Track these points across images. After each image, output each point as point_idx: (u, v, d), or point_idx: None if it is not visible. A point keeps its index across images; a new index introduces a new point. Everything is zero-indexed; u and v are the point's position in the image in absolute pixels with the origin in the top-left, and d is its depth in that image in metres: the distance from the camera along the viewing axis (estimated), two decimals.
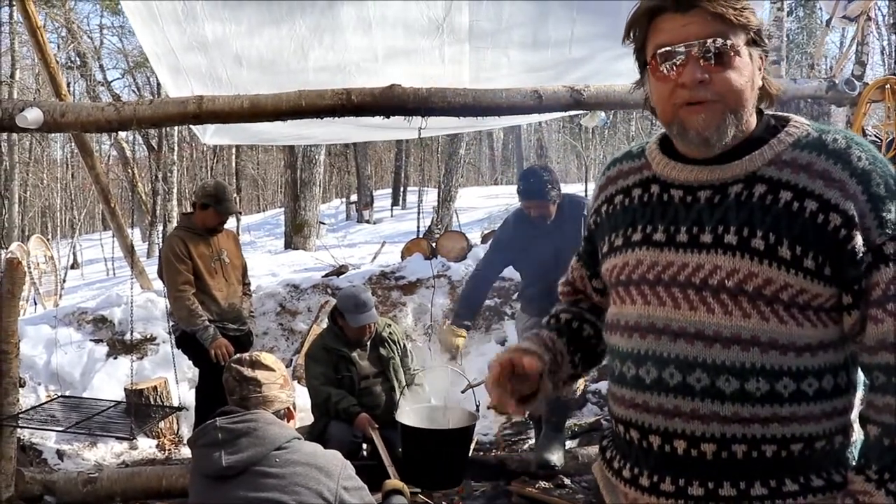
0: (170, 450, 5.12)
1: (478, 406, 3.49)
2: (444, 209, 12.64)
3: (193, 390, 4.73)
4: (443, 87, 3.69)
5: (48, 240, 14.35)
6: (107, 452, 4.95)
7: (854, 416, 1.24)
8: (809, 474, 1.20)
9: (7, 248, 10.21)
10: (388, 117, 3.74)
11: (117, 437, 4.38)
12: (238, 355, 2.27)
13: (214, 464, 1.94)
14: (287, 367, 4.76)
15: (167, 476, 3.94)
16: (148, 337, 6.09)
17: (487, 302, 6.32)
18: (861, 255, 1.15)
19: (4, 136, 15.38)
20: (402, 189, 21.63)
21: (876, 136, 4.78)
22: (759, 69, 1.25)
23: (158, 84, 18.01)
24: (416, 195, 16.60)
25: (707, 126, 1.20)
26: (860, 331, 1.18)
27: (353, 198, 20.07)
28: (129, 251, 6.47)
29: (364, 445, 3.97)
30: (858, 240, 1.15)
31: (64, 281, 13.62)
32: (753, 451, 1.19)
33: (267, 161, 31.20)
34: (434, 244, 8.06)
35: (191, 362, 4.69)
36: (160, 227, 17.91)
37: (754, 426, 1.18)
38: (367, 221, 17.97)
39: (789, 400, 1.18)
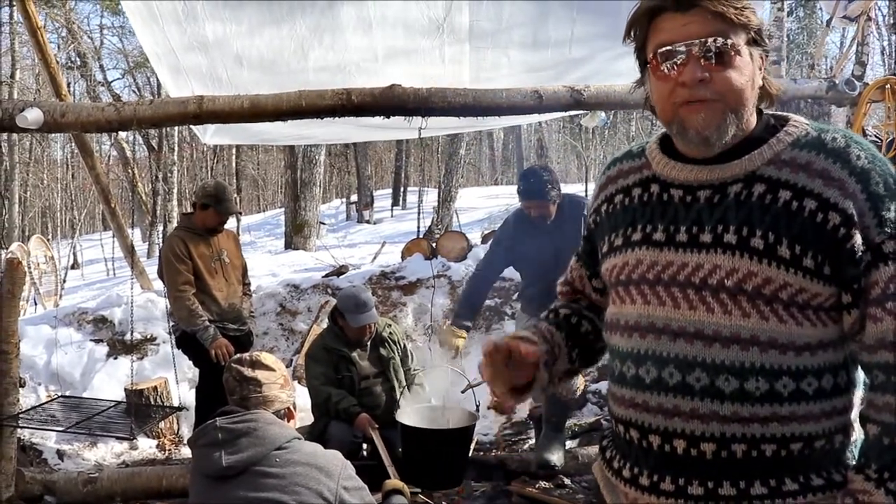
0: (170, 450, 5.12)
1: (478, 406, 3.49)
2: (444, 209, 12.64)
3: (193, 390, 4.73)
4: (443, 87, 3.69)
5: (48, 240, 14.35)
6: (107, 452, 4.95)
7: (854, 415, 1.24)
8: (809, 473, 1.20)
9: (7, 249, 10.21)
10: (388, 117, 3.74)
11: (117, 438, 4.38)
12: (238, 355, 2.27)
13: (215, 464, 1.94)
14: (287, 367, 4.77)
15: (167, 476, 3.94)
16: (148, 337, 6.09)
17: (488, 302, 6.31)
18: (860, 253, 1.15)
19: (5, 136, 15.38)
20: (402, 189, 21.63)
21: (876, 137, 4.78)
22: (760, 69, 1.25)
23: (159, 84, 18.03)
24: (417, 195, 16.60)
25: (707, 125, 1.20)
26: (860, 330, 1.18)
27: (354, 198, 20.08)
28: (130, 251, 6.47)
29: (364, 445, 3.97)
30: (858, 238, 1.15)
31: (64, 281, 13.63)
32: (753, 450, 1.19)
33: (267, 161, 31.21)
34: (434, 244, 8.06)
35: (191, 362, 4.69)
36: (160, 228, 17.92)
37: (754, 425, 1.18)
38: (368, 221, 17.97)
39: (789, 399, 1.18)
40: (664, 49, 1.21)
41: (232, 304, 4.38)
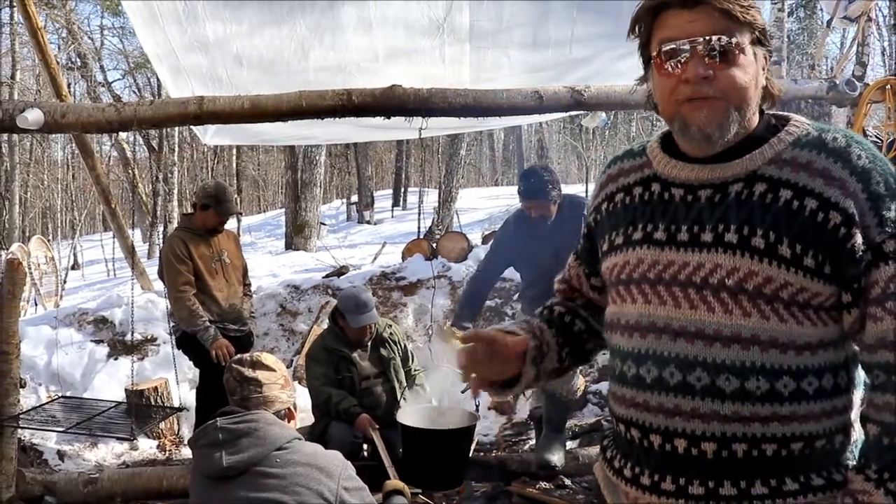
0: (170, 450, 5.12)
1: (478, 406, 3.49)
2: (444, 210, 12.65)
3: (194, 391, 4.72)
4: (443, 88, 3.69)
5: (49, 240, 14.35)
6: (107, 453, 4.95)
7: (855, 415, 1.24)
8: (810, 473, 1.20)
9: (8, 249, 10.21)
10: (388, 118, 3.74)
11: (118, 438, 4.38)
12: (239, 356, 2.27)
13: (215, 464, 1.94)
14: (288, 367, 4.77)
15: (168, 476, 3.94)
16: (148, 337, 6.09)
17: (488, 303, 6.31)
18: (861, 253, 1.15)
19: (5, 136, 15.40)
20: (402, 190, 21.64)
21: (877, 137, 4.78)
22: (763, 69, 1.25)
23: (159, 85, 18.04)
24: (417, 196, 16.60)
25: (709, 122, 1.20)
26: (860, 329, 1.18)
27: (354, 198, 20.09)
28: (130, 252, 6.47)
29: (365, 446, 3.97)
30: (858, 238, 1.15)
31: (65, 282, 13.63)
32: (754, 449, 1.19)
33: (267, 162, 31.22)
34: (435, 245, 8.06)
35: (191, 363, 4.69)
36: (161, 228, 17.93)
37: (754, 425, 1.18)
38: (368, 222, 17.98)
39: (789, 399, 1.18)
40: (668, 46, 1.21)
41: (232, 304, 4.38)
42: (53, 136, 18.92)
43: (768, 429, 1.18)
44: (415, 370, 4.27)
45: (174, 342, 4.56)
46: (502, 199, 16.82)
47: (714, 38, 1.18)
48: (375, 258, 10.16)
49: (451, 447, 3.56)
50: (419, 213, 12.80)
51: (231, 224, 5.79)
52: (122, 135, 15.66)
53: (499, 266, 4.31)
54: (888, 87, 4.25)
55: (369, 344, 4.12)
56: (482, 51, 4.61)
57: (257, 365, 2.16)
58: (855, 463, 1.21)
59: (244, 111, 3.59)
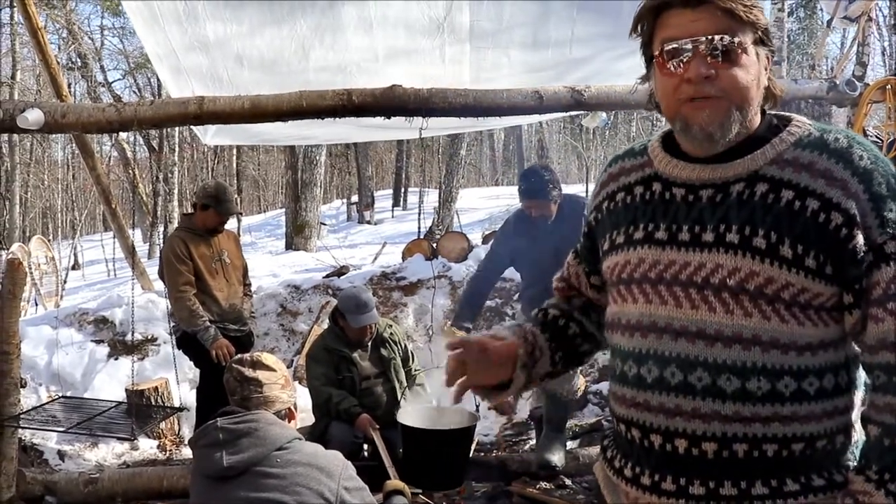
0: (171, 450, 5.12)
1: (478, 406, 3.49)
2: (444, 210, 12.65)
3: (194, 391, 4.72)
4: (443, 88, 3.69)
5: (49, 241, 14.35)
6: (108, 453, 4.95)
7: (856, 416, 1.24)
8: (810, 474, 1.20)
9: (8, 249, 10.22)
10: (388, 118, 3.74)
11: (118, 438, 4.38)
12: (239, 356, 2.27)
13: (215, 464, 1.94)
14: (288, 367, 4.76)
15: (168, 476, 3.94)
16: (149, 338, 6.09)
17: (488, 303, 6.31)
18: (862, 254, 1.15)
19: (5, 137, 15.41)
20: (402, 190, 21.65)
21: (877, 137, 4.78)
22: (765, 69, 1.25)
23: (159, 85, 18.04)
24: (417, 196, 16.62)
25: (711, 122, 1.20)
26: (861, 330, 1.18)
27: (354, 199, 20.10)
28: (130, 252, 6.47)
29: (365, 446, 3.97)
30: (860, 239, 1.15)
31: (65, 282, 13.64)
32: (754, 450, 1.18)
33: (268, 162, 31.22)
34: (435, 245, 8.06)
35: (192, 363, 4.69)
36: (161, 228, 17.94)
37: (755, 425, 1.18)
38: (368, 222, 17.98)
39: (790, 399, 1.18)
40: (671, 45, 1.21)
41: (232, 304, 4.38)
42: (54, 136, 18.93)
43: (769, 429, 1.18)
44: (415, 370, 4.27)
45: (174, 342, 4.56)
46: (502, 199, 16.82)
47: (716, 37, 1.18)
48: (376, 258, 10.16)
49: (452, 447, 3.56)
50: (419, 213, 12.82)
51: (231, 224, 5.79)
52: (123, 135, 15.67)
53: (499, 266, 4.31)
54: (888, 87, 4.25)
55: (370, 344, 4.12)
56: (482, 51, 4.61)
57: (258, 365, 2.16)
58: (856, 464, 1.20)
59: (244, 111, 3.59)
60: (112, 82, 22.38)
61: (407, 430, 3.54)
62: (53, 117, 3.54)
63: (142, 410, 4.51)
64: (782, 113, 1.30)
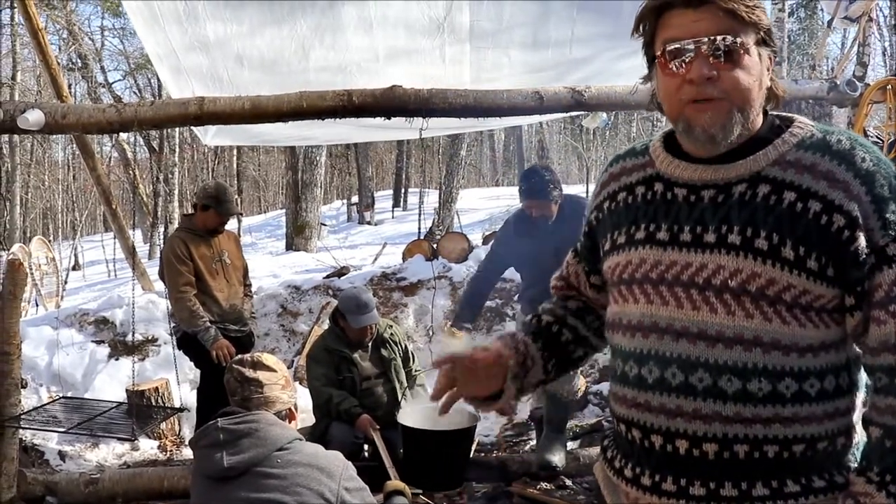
0: (171, 451, 5.12)
1: None
2: (445, 210, 12.65)
3: (195, 391, 4.72)
4: (444, 88, 3.69)
5: (50, 241, 14.36)
6: (108, 453, 4.95)
7: (857, 417, 1.23)
8: (811, 475, 1.20)
9: (9, 250, 10.22)
10: (389, 118, 3.74)
11: (119, 438, 4.38)
12: (239, 356, 2.27)
13: (216, 464, 1.94)
14: (288, 368, 4.76)
15: (169, 477, 3.94)
16: (149, 338, 6.09)
17: (489, 303, 6.31)
18: (864, 256, 1.15)
19: (6, 137, 15.41)
20: (403, 190, 21.67)
21: (877, 138, 4.78)
22: (768, 69, 1.24)
23: (159, 85, 18.05)
24: (418, 196, 16.63)
25: (713, 124, 1.20)
26: (863, 332, 1.18)
27: (355, 199, 20.12)
28: (131, 252, 6.48)
29: (365, 446, 3.97)
30: (862, 241, 1.15)
31: (65, 282, 13.65)
32: (755, 451, 1.18)
33: (268, 162, 31.22)
34: (435, 245, 8.07)
35: (192, 363, 4.69)
36: (161, 229, 17.94)
37: (756, 426, 1.18)
38: (369, 223, 18.00)
39: (791, 400, 1.18)
40: (673, 45, 1.20)
41: (233, 305, 4.38)
42: (54, 136, 18.95)
43: (770, 430, 1.18)
44: (415, 371, 4.27)
45: (175, 343, 4.56)
46: (503, 200, 16.83)
47: (719, 38, 1.17)
48: (376, 259, 10.17)
49: (452, 448, 3.56)
50: (420, 214, 12.83)
51: (232, 224, 5.79)
52: (123, 135, 15.66)
53: (499, 266, 4.31)
54: (889, 87, 4.25)
55: (370, 344, 4.12)
56: (482, 51, 4.61)
57: (258, 365, 2.16)
58: (856, 465, 1.20)
59: (245, 112, 3.59)
60: (112, 83, 22.39)
61: (407, 431, 3.54)
62: (54, 118, 3.54)
63: (142, 411, 4.51)
64: (784, 114, 1.30)
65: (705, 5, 1.18)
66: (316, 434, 3.89)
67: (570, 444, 4.34)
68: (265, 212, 28.01)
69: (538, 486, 3.85)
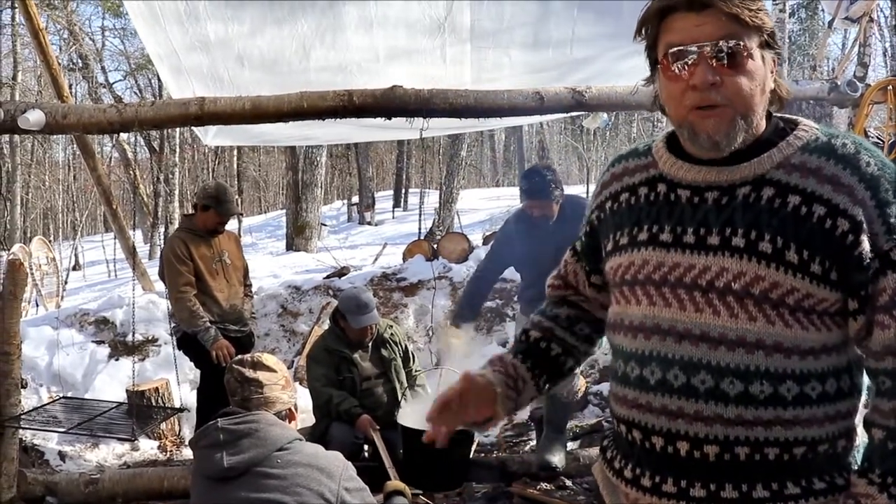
0: (171, 451, 5.12)
1: None
2: (445, 211, 12.66)
3: (195, 391, 4.72)
4: (444, 89, 3.69)
5: (50, 241, 14.36)
6: (108, 453, 4.95)
7: (858, 419, 1.23)
8: (811, 477, 1.20)
9: (9, 250, 10.22)
10: (389, 118, 3.74)
11: (119, 439, 4.38)
12: (239, 356, 2.27)
13: (216, 465, 1.94)
14: (288, 368, 4.76)
15: (169, 477, 3.93)
16: (149, 338, 6.09)
17: (489, 303, 6.31)
18: (868, 260, 1.15)
19: (6, 137, 15.42)
20: (403, 191, 21.67)
21: (878, 138, 4.78)
22: (772, 72, 1.23)
23: (160, 86, 18.06)
24: (418, 197, 16.63)
25: (717, 130, 1.19)
26: (866, 335, 1.18)
27: (355, 199, 20.12)
28: (131, 253, 6.48)
29: (365, 447, 3.97)
30: (866, 245, 1.14)
31: (66, 282, 13.65)
32: (756, 453, 1.18)
33: (268, 163, 31.22)
34: (435, 246, 8.06)
35: (192, 363, 4.69)
36: (162, 229, 17.94)
37: (757, 429, 1.17)
38: (369, 223, 17.99)
39: (792, 403, 1.18)
40: (675, 49, 1.20)
41: (233, 305, 4.38)
42: (55, 136, 18.94)
43: (771, 432, 1.17)
44: (416, 371, 4.27)
45: (175, 343, 4.56)
46: (503, 200, 16.83)
47: (722, 42, 1.17)
48: (376, 259, 10.17)
49: (452, 448, 3.55)
50: (420, 214, 12.83)
51: (232, 225, 5.79)
52: (124, 136, 15.66)
53: (498, 266, 4.31)
54: (889, 88, 4.25)
55: (370, 345, 4.12)
56: (483, 51, 4.61)
57: (258, 366, 2.16)
58: (858, 467, 1.20)
59: (245, 112, 3.59)
60: (113, 83, 22.38)
61: (407, 432, 3.54)
62: (54, 118, 3.54)
63: (142, 411, 4.51)
64: (788, 116, 1.29)
65: (708, 9, 1.17)
66: (316, 434, 3.89)
67: (570, 445, 4.34)
68: (265, 212, 28.02)
69: (538, 487, 3.84)
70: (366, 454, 3.98)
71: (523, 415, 4.98)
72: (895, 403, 1.14)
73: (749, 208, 1.19)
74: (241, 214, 16.06)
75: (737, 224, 1.19)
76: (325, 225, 14.75)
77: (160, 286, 5.29)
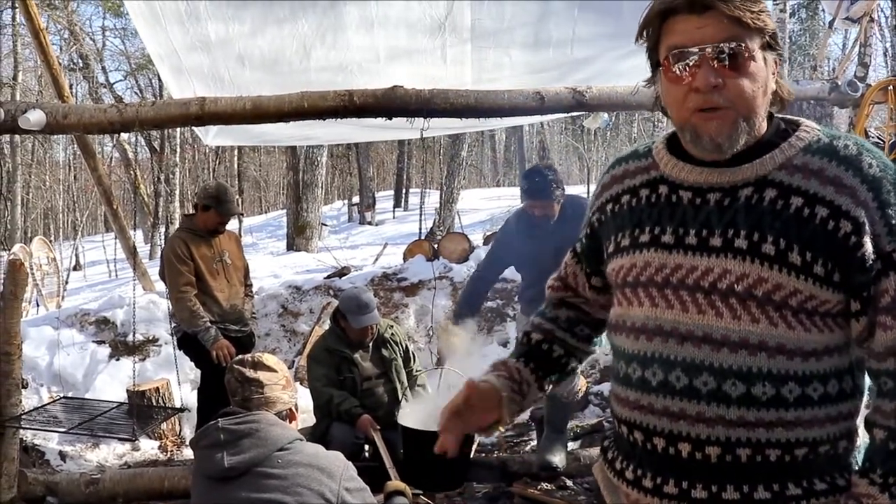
0: (172, 451, 5.12)
1: None
2: (446, 211, 12.65)
3: (195, 391, 4.73)
4: (445, 89, 3.69)
5: (51, 241, 14.37)
6: (109, 453, 4.95)
7: (859, 420, 1.23)
8: (813, 478, 1.20)
9: (10, 250, 10.23)
10: (390, 118, 3.74)
11: (119, 439, 4.38)
12: (240, 356, 2.27)
13: (216, 465, 1.94)
14: (289, 368, 4.76)
15: (169, 477, 3.93)
16: (150, 338, 6.09)
17: (489, 304, 6.31)
18: (870, 262, 1.15)
19: (7, 138, 15.43)
20: (404, 191, 21.68)
21: (879, 139, 4.78)
22: (773, 73, 1.23)
23: (161, 86, 18.07)
24: (419, 197, 16.63)
25: (720, 133, 1.19)
26: (868, 337, 1.18)
27: (356, 199, 20.11)
28: (132, 253, 6.48)
29: (366, 447, 3.97)
30: (868, 247, 1.14)
31: (66, 282, 13.65)
32: (758, 454, 1.18)
33: (269, 163, 31.22)
34: (436, 246, 8.06)
35: (193, 363, 4.69)
36: (162, 229, 17.94)
37: (759, 430, 1.17)
38: (369, 223, 17.99)
39: (794, 404, 1.18)
40: (677, 51, 1.19)
41: (233, 305, 4.38)
42: (55, 136, 18.95)
43: (773, 434, 1.17)
44: (416, 371, 4.27)
45: (175, 343, 4.56)
46: (504, 200, 16.82)
47: (723, 45, 1.16)
48: (377, 259, 10.17)
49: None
50: (420, 214, 12.82)
51: (232, 225, 5.79)
52: (124, 136, 15.67)
53: (499, 266, 4.30)
54: (890, 88, 4.25)
55: (371, 345, 4.12)
56: (484, 51, 4.61)
57: (259, 366, 2.16)
58: (859, 467, 1.20)
59: (246, 112, 3.59)
60: (114, 83, 22.40)
61: (407, 432, 3.54)
62: (55, 118, 3.54)
63: (143, 411, 4.51)
64: (790, 117, 1.29)
65: (710, 11, 1.17)
66: (316, 434, 3.89)
67: (571, 445, 4.34)
68: (266, 212, 28.02)
69: (539, 487, 3.84)
70: (366, 454, 3.98)
71: (524, 415, 4.98)
72: None
73: (751, 210, 1.19)
74: (242, 214, 16.05)
75: (739, 225, 1.19)
76: (325, 225, 14.75)
77: (161, 286, 5.29)
